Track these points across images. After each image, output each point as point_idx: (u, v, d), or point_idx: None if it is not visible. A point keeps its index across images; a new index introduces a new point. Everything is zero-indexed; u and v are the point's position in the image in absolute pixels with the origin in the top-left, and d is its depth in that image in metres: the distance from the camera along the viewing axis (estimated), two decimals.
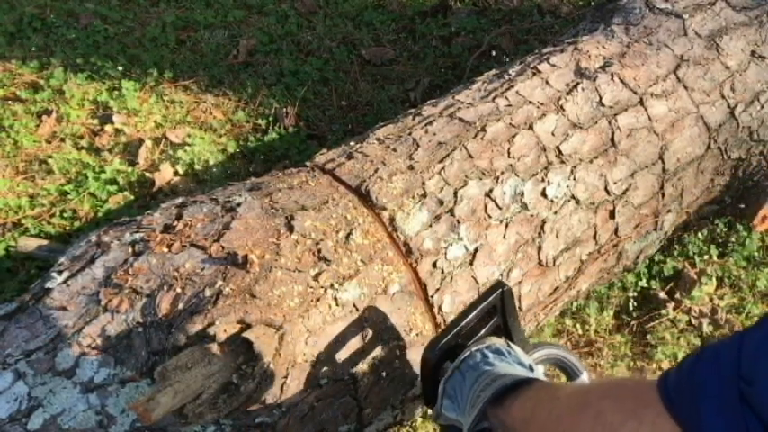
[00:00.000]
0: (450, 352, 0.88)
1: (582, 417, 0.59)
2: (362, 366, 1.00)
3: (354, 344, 0.98)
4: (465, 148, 1.17)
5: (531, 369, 0.83)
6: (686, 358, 0.49)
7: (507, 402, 0.74)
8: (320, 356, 0.95)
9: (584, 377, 0.98)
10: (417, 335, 1.05)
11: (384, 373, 1.03)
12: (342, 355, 0.97)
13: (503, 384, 0.75)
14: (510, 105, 1.26)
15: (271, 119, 1.88)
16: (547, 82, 1.32)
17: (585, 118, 1.27)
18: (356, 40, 2.14)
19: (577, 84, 1.31)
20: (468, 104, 1.28)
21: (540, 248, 1.18)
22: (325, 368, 0.95)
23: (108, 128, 1.81)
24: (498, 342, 0.88)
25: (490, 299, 0.90)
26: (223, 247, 0.96)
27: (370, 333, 1.00)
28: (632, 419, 0.51)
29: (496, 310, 0.93)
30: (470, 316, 0.89)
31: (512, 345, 0.89)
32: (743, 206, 1.62)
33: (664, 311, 1.53)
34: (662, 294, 1.57)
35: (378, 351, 1.01)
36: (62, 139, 1.79)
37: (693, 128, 1.35)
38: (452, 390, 0.83)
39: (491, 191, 1.14)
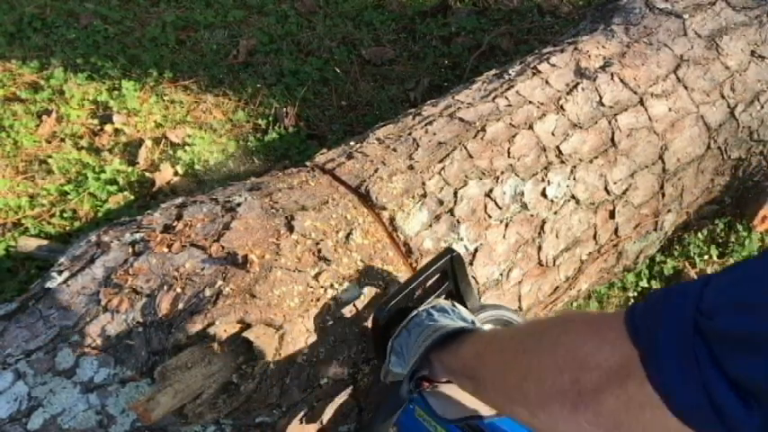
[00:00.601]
0: (402, 315, 0.90)
1: (544, 336, 0.59)
2: (362, 366, 1.00)
3: (354, 344, 0.98)
4: (465, 147, 1.17)
5: (474, 324, 0.86)
6: (656, 291, 0.50)
7: (453, 346, 0.76)
8: (320, 356, 0.95)
9: None
10: None
11: None
12: (342, 356, 0.97)
13: (445, 331, 0.78)
14: (510, 105, 1.26)
15: (271, 119, 1.88)
16: (547, 82, 1.32)
17: (585, 118, 1.27)
18: (356, 40, 2.14)
19: (577, 84, 1.31)
20: (468, 104, 1.28)
21: (540, 248, 1.18)
22: (325, 368, 0.95)
23: (108, 128, 1.82)
24: (444, 302, 0.91)
25: (439, 264, 0.93)
26: (223, 247, 0.96)
27: (370, 333, 1.00)
28: (594, 340, 0.51)
29: (447, 275, 0.95)
30: (419, 279, 0.92)
31: (457, 305, 0.91)
32: (743, 206, 1.62)
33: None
34: None
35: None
36: (62, 139, 1.79)
37: (693, 128, 1.35)
38: (399, 347, 0.86)
39: (491, 191, 1.14)
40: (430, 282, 0.95)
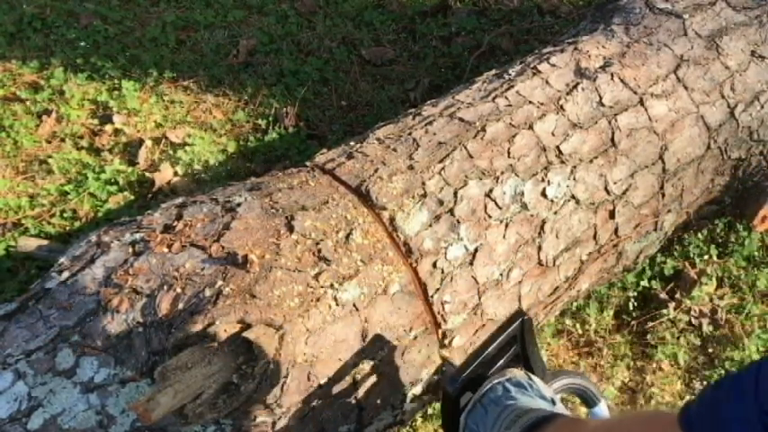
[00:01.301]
0: (471, 383, 0.87)
1: None
2: (362, 366, 1.00)
3: (354, 344, 0.98)
4: (465, 147, 1.17)
5: (554, 402, 0.83)
6: (705, 390, 0.49)
7: None
8: (320, 356, 0.95)
9: (603, 405, 0.98)
10: (417, 335, 1.05)
11: (384, 373, 1.03)
12: (342, 356, 0.97)
13: (528, 422, 0.75)
14: (510, 105, 1.26)
15: (271, 119, 1.88)
16: (547, 82, 1.32)
17: (585, 118, 1.27)
18: (356, 40, 2.14)
19: (577, 84, 1.31)
20: (468, 104, 1.28)
21: (540, 248, 1.18)
22: (325, 368, 0.95)
23: (108, 128, 1.82)
24: (519, 374, 0.87)
25: (511, 329, 0.90)
26: (223, 247, 0.96)
27: (370, 333, 1.00)
28: None
29: (516, 339, 0.92)
30: (491, 347, 0.88)
31: (532, 377, 0.88)
32: (743, 206, 1.62)
33: (664, 311, 1.53)
34: (662, 294, 1.57)
35: (378, 351, 1.01)
36: (62, 139, 1.79)
37: (693, 128, 1.35)
38: (474, 424, 0.83)
39: (491, 191, 1.14)
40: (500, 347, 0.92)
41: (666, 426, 0.51)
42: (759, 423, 0.42)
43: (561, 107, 1.27)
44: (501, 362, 0.92)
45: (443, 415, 0.91)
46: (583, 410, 1.12)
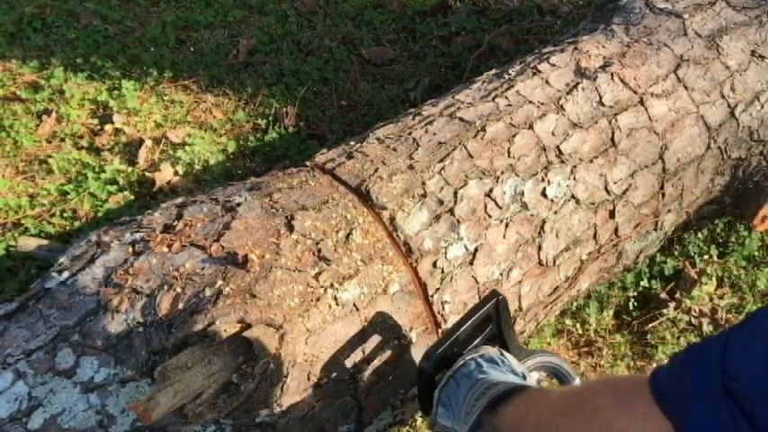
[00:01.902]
0: (446, 360, 0.89)
1: (576, 414, 0.60)
2: (362, 366, 1.00)
3: (354, 344, 0.98)
4: (465, 147, 1.17)
5: (524, 377, 0.85)
6: (677, 355, 0.51)
7: (500, 409, 0.75)
8: (320, 356, 0.95)
9: (577, 382, 0.99)
10: (417, 334, 1.05)
11: (384, 373, 1.03)
12: (342, 355, 0.97)
13: (496, 392, 0.77)
14: (510, 105, 1.26)
15: (271, 119, 1.88)
16: (547, 82, 1.32)
17: (585, 118, 1.27)
18: (356, 40, 2.14)
19: (577, 83, 1.31)
20: (468, 104, 1.28)
21: (540, 248, 1.18)
22: (325, 368, 0.95)
23: (108, 128, 1.82)
24: (492, 351, 0.90)
25: (485, 308, 0.92)
26: (223, 247, 0.96)
27: (369, 333, 1.00)
28: (625, 414, 0.52)
29: (491, 319, 0.94)
30: (465, 325, 0.90)
31: (505, 353, 0.90)
32: (743, 206, 1.62)
33: (664, 311, 1.53)
34: (662, 294, 1.57)
35: (378, 351, 1.01)
36: (62, 139, 1.79)
37: (693, 128, 1.35)
38: (447, 398, 0.85)
39: (491, 191, 1.14)
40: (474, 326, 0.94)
41: (635, 387, 0.52)
42: (720, 384, 0.43)
43: (561, 107, 1.27)
44: (476, 342, 0.94)
45: (419, 391, 0.93)
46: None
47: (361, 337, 0.99)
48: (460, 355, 0.90)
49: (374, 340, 1.00)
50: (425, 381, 0.90)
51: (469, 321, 0.91)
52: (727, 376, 0.43)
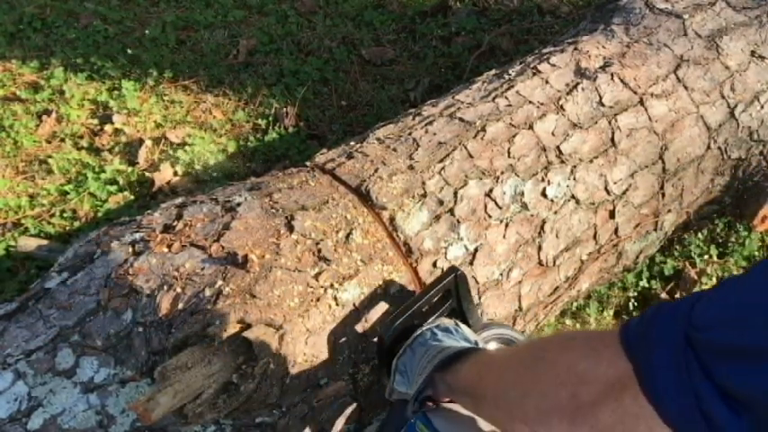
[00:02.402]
0: (406, 333, 0.92)
1: (545, 354, 0.61)
2: (362, 366, 1.00)
3: (354, 344, 0.98)
4: (465, 147, 1.17)
5: (477, 344, 0.87)
6: (647, 309, 0.52)
7: (455, 367, 0.77)
8: (320, 356, 0.95)
9: None
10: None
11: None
12: (342, 356, 0.97)
13: (449, 353, 0.80)
14: (510, 105, 1.26)
15: (271, 119, 1.88)
16: (547, 82, 1.32)
17: (585, 118, 1.27)
18: (356, 40, 2.14)
19: (577, 84, 1.31)
20: (468, 104, 1.28)
21: (540, 248, 1.18)
22: (325, 368, 0.95)
23: (108, 128, 1.81)
24: (447, 321, 0.93)
25: (443, 283, 0.95)
26: (223, 247, 0.96)
27: (370, 333, 1.00)
28: (592, 356, 0.53)
29: (451, 293, 0.97)
30: (424, 298, 0.93)
31: (460, 324, 0.93)
32: (743, 206, 1.62)
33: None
34: (662, 294, 1.57)
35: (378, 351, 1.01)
36: (62, 139, 1.79)
37: (693, 128, 1.35)
38: (403, 366, 0.88)
39: (491, 191, 1.14)
40: (434, 300, 0.97)
41: (604, 336, 0.54)
42: (682, 333, 0.45)
43: (561, 107, 1.27)
44: (435, 315, 0.97)
45: (379, 361, 0.95)
46: None
47: (360, 336, 0.99)
48: (420, 327, 0.93)
49: (374, 340, 1.00)
50: (384, 351, 0.92)
51: (428, 294, 0.94)
52: (691, 327, 0.44)
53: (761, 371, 0.39)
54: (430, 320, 0.95)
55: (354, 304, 0.98)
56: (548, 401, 0.56)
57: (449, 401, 0.86)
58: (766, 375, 0.39)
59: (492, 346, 0.98)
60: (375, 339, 0.96)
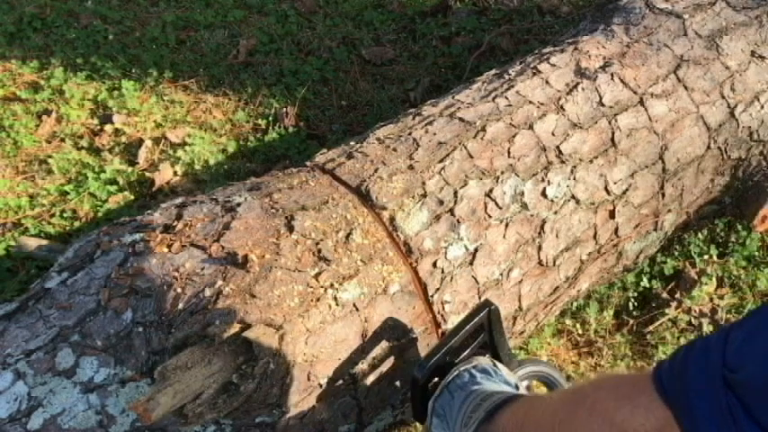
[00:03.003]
0: (439, 370, 0.90)
1: (578, 407, 0.60)
2: (362, 366, 1.00)
3: (354, 344, 0.98)
4: (465, 147, 1.17)
5: (517, 387, 0.86)
6: (679, 349, 0.51)
7: (496, 416, 0.76)
8: (320, 356, 0.95)
9: None
10: (417, 335, 1.05)
11: (384, 373, 1.03)
12: (342, 355, 0.97)
13: (493, 403, 0.78)
14: (510, 105, 1.26)
15: (271, 119, 1.88)
16: (547, 82, 1.32)
17: (585, 118, 1.27)
18: (356, 40, 2.14)
19: (577, 84, 1.31)
20: (468, 104, 1.28)
21: (540, 248, 1.18)
22: (325, 368, 0.95)
23: (108, 128, 1.81)
24: (484, 361, 0.91)
25: (478, 318, 0.93)
26: (223, 247, 0.96)
27: (369, 333, 1.00)
28: (627, 405, 0.52)
29: (483, 327, 0.96)
30: (459, 335, 0.92)
31: (498, 364, 0.91)
32: (743, 206, 1.62)
33: (664, 311, 1.53)
34: (662, 294, 1.57)
35: (378, 351, 1.01)
36: (62, 139, 1.79)
37: (693, 128, 1.35)
38: (441, 409, 0.86)
39: (491, 191, 1.14)
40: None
41: (638, 381, 0.53)
42: (720, 378, 0.44)
43: (561, 107, 1.27)
44: (468, 350, 0.95)
45: (412, 401, 0.94)
46: None
47: (361, 337, 0.99)
48: (453, 364, 0.91)
49: (374, 340, 1.00)
50: (419, 390, 0.91)
51: (462, 331, 0.92)
52: (726, 368, 0.44)
53: None
54: (463, 355, 0.94)
55: (354, 304, 0.98)
56: None
57: None
58: None
59: (527, 384, 0.96)
60: (409, 379, 0.94)
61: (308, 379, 0.94)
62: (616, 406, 0.53)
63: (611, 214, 1.27)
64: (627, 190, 1.27)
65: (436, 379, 0.92)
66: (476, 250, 1.11)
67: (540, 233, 1.17)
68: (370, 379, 1.01)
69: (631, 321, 1.55)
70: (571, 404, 0.63)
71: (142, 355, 0.88)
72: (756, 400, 0.41)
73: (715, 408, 0.43)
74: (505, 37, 2.16)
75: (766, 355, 0.42)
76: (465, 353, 0.95)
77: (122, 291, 0.91)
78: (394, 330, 1.02)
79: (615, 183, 1.25)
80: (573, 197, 1.21)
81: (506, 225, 1.14)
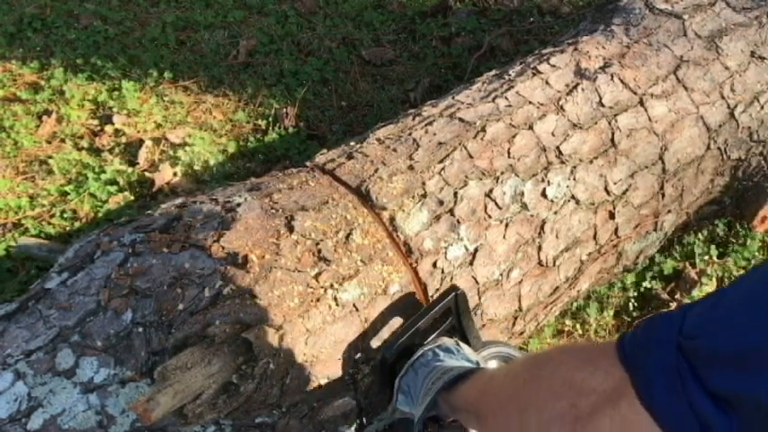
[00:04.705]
0: (407, 351, 0.94)
1: (543, 368, 0.63)
2: (362, 366, 1.00)
3: (354, 344, 0.98)
4: (465, 148, 1.17)
5: (479, 365, 0.90)
6: (644, 320, 0.54)
7: (458, 387, 0.80)
8: (320, 356, 0.95)
9: None
10: None
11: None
12: (342, 356, 0.97)
13: (452, 375, 0.82)
14: (510, 105, 1.26)
15: (271, 119, 1.88)
16: (547, 82, 1.32)
17: (585, 118, 1.27)
18: (356, 40, 2.14)
19: (577, 84, 1.31)
20: (468, 105, 1.28)
21: (540, 248, 1.18)
22: (325, 368, 0.95)
23: (108, 128, 1.82)
24: (449, 341, 0.95)
25: (444, 302, 0.96)
26: (223, 248, 0.96)
27: (370, 333, 1.00)
28: (589, 367, 0.55)
29: (451, 311, 0.99)
30: (425, 318, 0.95)
31: (461, 344, 0.95)
32: (743, 206, 1.62)
33: (664, 311, 1.53)
34: (662, 295, 1.57)
35: (378, 351, 1.01)
36: (62, 140, 1.79)
37: (693, 128, 1.35)
38: (406, 386, 0.90)
39: (491, 191, 1.14)
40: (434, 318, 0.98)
41: (601, 348, 0.56)
42: (675, 342, 0.47)
43: (561, 107, 1.27)
44: (436, 333, 0.99)
45: (381, 379, 0.97)
46: None
47: (361, 337, 0.99)
48: (421, 345, 0.95)
49: (374, 340, 1.00)
50: (386, 370, 0.95)
51: (429, 314, 0.95)
52: (682, 336, 0.47)
53: (745, 373, 0.41)
54: (430, 339, 0.97)
55: (354, 304, 0.98)
56: (547, 414, 0.57)
57: (453, 421, 0.87)
58: (750, 377, 0.41)
59: (492, 364, 0.99)
60: (378, 359, 0.97)
61: (308, 379, 0.94)
62: (578, 366, 0.56)
63: (611, 214, 1.27)
64: (627, 190, 1.27)
65: (405, 360, 0.95)
66: (476, 250, 1.11)
67: (539, 233, 1.17)
68: (370, 379, 1.01)
69: (631, 321, 1.55)
70: (535, 367, 0.66)
71: (142, 355, 0.88)
72: (703, 365, 0.44)
73: (666, 367, 0.46)
74: (505, 37, 2.16)
75: (716, 330, 0.45)
76: (432, 336, 0.98)
77: (122, 291, 0.91)
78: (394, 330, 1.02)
79: (615, 183, 1.25)
80: (573, 197, 1.21)
81: (506, 225, 1.14)
